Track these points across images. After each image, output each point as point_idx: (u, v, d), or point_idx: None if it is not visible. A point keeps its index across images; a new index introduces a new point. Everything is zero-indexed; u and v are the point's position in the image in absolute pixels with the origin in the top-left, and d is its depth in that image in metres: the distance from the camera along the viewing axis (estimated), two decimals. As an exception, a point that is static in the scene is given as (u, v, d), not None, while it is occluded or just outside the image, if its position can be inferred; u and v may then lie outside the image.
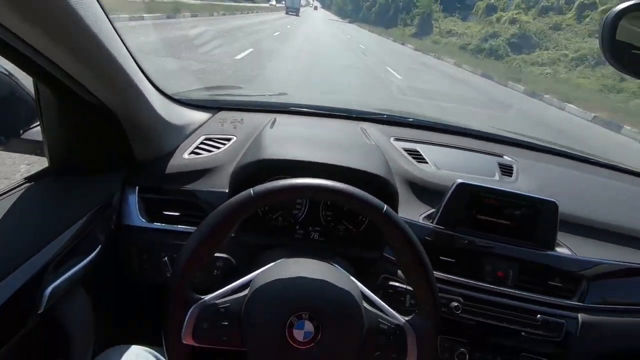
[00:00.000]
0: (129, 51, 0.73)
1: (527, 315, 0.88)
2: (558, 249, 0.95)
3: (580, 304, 0.91)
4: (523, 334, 0.88)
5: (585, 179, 1.25)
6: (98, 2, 0.60)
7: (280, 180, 0.65)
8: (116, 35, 0.67)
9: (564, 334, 0.88)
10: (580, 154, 1.41)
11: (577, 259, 0.93)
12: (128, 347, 0.80)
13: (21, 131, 0.78)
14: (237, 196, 0.63)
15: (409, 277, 0.67)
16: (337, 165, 0.89)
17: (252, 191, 0.63)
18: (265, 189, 0.63)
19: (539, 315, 0.88)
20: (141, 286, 0.96)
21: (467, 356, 0.90)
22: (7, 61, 0.58)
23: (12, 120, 0.77)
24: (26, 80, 0.76)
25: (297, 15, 39.62)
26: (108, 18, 0.63)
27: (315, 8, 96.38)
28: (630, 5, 0.46)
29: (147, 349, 0.82)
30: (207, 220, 0.63)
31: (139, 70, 0.79)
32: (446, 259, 0.93)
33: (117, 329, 1.01)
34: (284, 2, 46.49)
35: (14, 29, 0.49)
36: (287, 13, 40.32)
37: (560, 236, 0.97)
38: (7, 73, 0.78)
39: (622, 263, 0.95)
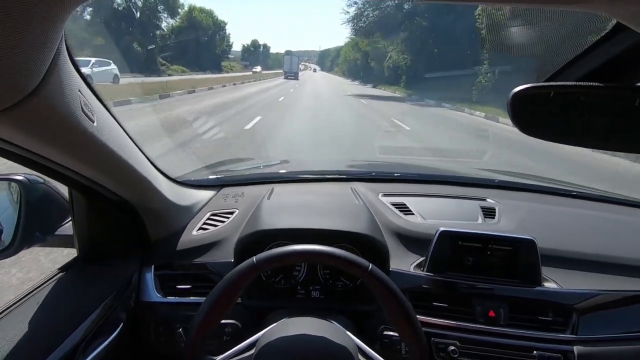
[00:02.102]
0: (139, 148, 0.88)
1: (523, 352, 0.92)
2: (545, 284, 1.00)
3: (574, 336, 0.94)
4: None
5: (566, 212, 1.32)
6: (114, 118, 0.73)
7: (278, 247, 0.75)
8: (128, 139, 0.81)
9: None
10: (561, 187, 1.49)
11: (563, 292, 0.98)
12: None
13: (56, 228, 0.92)
14: (241, 265, 0.73)
15: (397, 328, 0.74)
16: (327, 230, 0.99)
17: (254, 259, 0.73)
18: (265, 257, 0.73)
19: (535, 352, 0.92)
20: (162, 358, 1.03)
21: None
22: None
23: (46, 220, 0.91)
24: (58, 184, 0.91)
25: (296, 79, 39.03)
26: (125, 132, 0.78)
27: (315, 70, 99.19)
28: (526, 88, 0.59)
29: None
30: (215, 289, 0.73)
31: (150, 164, 0.94)
32: (439, 304, 0.99)
33: None
34: (282, 67, 45.11)
35: (47, 155, 0.62)
36: (285, 78, 39.90)
37: (546, 271, 1.03)
38: (42, 181, 0.94)
39: (609, 292, 1.00)
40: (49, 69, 0.45)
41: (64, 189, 0.91)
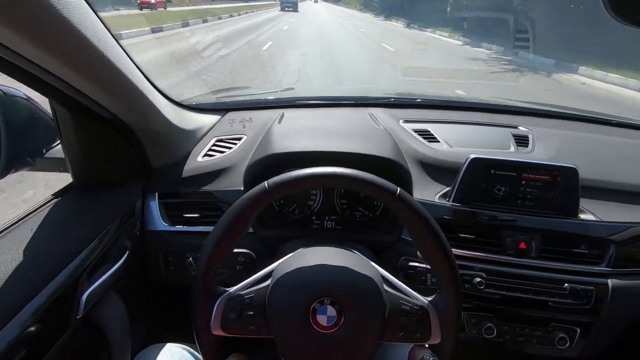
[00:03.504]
0: (136, 65, 0.76)
1: (553, 285, 0.87)
2: (582, 216, 0.92)
3: (610, 269, 0.89)
4: (550, 303, 0.87)
5: (604, 141, 1.20)
6: (102, 23, 0.63)
7: (292, 171, 0.66)
8: (122, 51, 0.70)
9: (593, 301, 0.86)
10: (597, 116, 1.36)
11: (602, 224, 0.91)
12: (164, 345, 0.84)
13: (44, 150, 0.83)
14: (252, 190, 0.64)
15: (427, 258, 0.67)
16: (347, 152, 0.89)
17: (266, 184, 0.64)
18: (278, 181, 0.64)
19: (566, 284, 0.87)
20: (170, 287, 1.00)
21: (495, 330, 0.90)
22: (23, 85, 0.62)
23: (35, 141, 0.81)
24: (45, 103, 0.80)
25: (295, 10, 33.08)
26: (113, 36, 0.66)
27: (316, 1, 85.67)
28: None
29: (183, 345, 0.85)
30: (225, 216, 0.65)
31: (147, 82, 0.82)
32: (466, 235, 0.93)
33: (152, 328, 1.06)
34: None
35: (27, 54, 0.52)
36: (282, 9, 33.58)
37: (583, 202, 0.94)
38: (25, 97, 0.82)
39: None
40: None
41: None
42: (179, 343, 0.87)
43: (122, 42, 0.70)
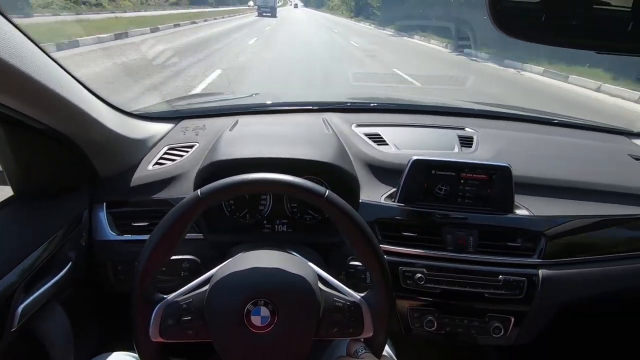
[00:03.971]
0: (71, 75, 0.75)
1: (489, 277, 0.92)
2: (517, 211, 0.98)
3: (540, 260, 0.94)
4: (486, 295, 0.92)
5: (544, 140, 1.28)
6: (23, 33, 0.61)
7: (225, 179, 0.68)
8: (50, 60, 0.68)
9: (525, 291, 0.92)
10: (541, 116, 1.44)
11: (535, 218, 0.97)
12: (109, 355, 0.83)
13: None
14: (185, 198, 0.66)
15: (359, 256, 0.70)
16: (290, 159, 0.92)
17: (199, 192, 0.66)
18: (210, 188, 0.66)
19: (500, 276, 0.92)
20: (119, 296, 1.00)
21: (435, 323, 0.94)
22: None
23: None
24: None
25: (274, 16, 30.91)
26: (38, 46, 0.65)
27: (296, 6, 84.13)
28: None
29: (130, 354, 0.85)
30: (160, 224, 0.66)
31: (85, 91, 0.81)
32: (409, 234, 0.97)
33: (101, 338, 1.05)
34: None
35: None
36: (259, 15, 31.39)
37: (519, 199, 1.00)
38: None
39: (578, 217, 0.99)
40: None
41: None
42: (128, 352, 0.87)
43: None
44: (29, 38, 0.63)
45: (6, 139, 0.75)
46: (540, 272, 0.93)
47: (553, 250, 0.95)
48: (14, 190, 0.84)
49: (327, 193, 0.66)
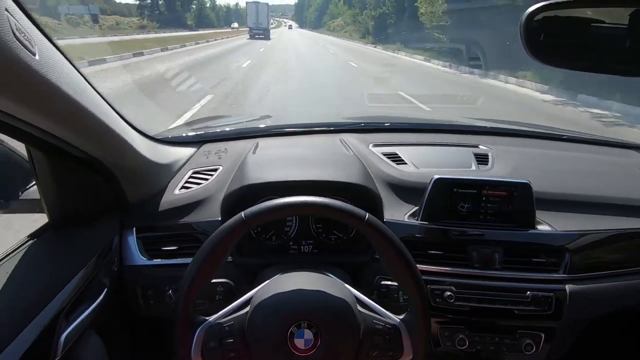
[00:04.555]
0: (107, 102, 0.78)
1: (517, 293, 0.93)
2: (538, 227, 1.00)
3: (566, 275, 0.95)
4: (516, 312, 0.93)
5: (558, 156, 1.31)
6: (71, 63, 0.64)
7: (267, 201, 0.70)
8: (92, 90, 0.72)
9: (554, 306, 0.92)
10: (552, 132, 1.47)
11: (556, 234, 0.98)
12: None
13: (19, 192, 0.83)
14: (229, 221, 0.68)
15: (397, 278, 0.72)
16: (319, 181, 0.94)
17: (243, 214, 0.67)
18: (254, 211, 0.68)
19: (528, 292, 0.93)
20: (150, 321, 1.00)
21: (467, 341, 0.94)
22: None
23: (9, 184, 0.82)
24: (19, 145, 0.81)
25: (267, 38, 28.70)
26: (81, 74, 0.68)
27: (290, 27, 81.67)
28: (542, 6, 0.52)
29: None
30: (204, 247, 0.68)
31: (119, 118, 0.84)
32: (435, 252, 0.98)
33: None
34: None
35: (5, 108, 0.54)
36: (251, 37, 29.21)
37: (540, 214, 1.02)
38: None
39: (599, 231, 1.00)
40: None
41: (23, 148, 0.81)
42: None
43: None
44: (73, 65, 0.65)
45: (49, 167, 0.78)
46: (567, 287, 0.94)
47: (577, 265, 0.97)
48: (49, 217, 0.86)
49: (367, 216, 0.68)
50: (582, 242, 0.99)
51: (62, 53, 0.61)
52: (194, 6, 48.89)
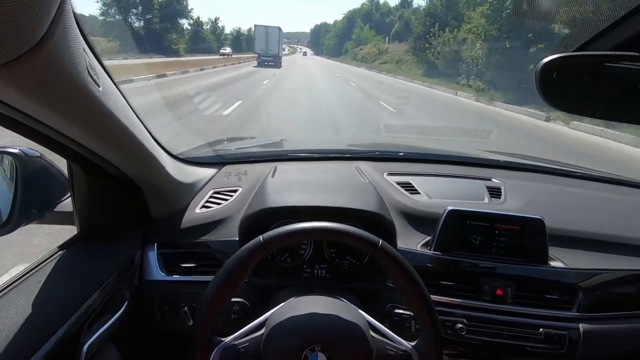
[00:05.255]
0: (142, 124, 0.84)
1: (529, 329, 0.93)
2: (552, 263, 1.00)
3: (580, 314, 0.95)
4: (528, 348, 0.92)
5: (570, 192, 1.32)
6: (117, 88, 0.70)
7: (286, 225, 0.73)
8: (132, 112, 0.77)
9: (567, 345, 0.91)
10: (564, 168, 1.49)
11: (570, 271, 0.99)
12: None
13: (52, 205, 0.88)
14: (249, 244, 0.71)
15: (409, 305, 0.73)
16: (335, 207, 0.97)
17: (261, 238, 0.70)
18: (273, 235, 0.71)
19: (541, 329, 0.92)
20: (165, 336, 1.02)
21: None
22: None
23: (46, 196, 0.87)
24: (54, 158, 0.87)
25: (277, 66, 24.62)
26: (125, 98, 0.73)
27: (305, 54, 77.94)
28: (556, 58, 0.56)
29: None
30: (224, 268, 0.70)
31: (152, 139, 0.90)
32: (447, 282, 0.99)
33: None
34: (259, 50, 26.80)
35: (48, 121, 0.58)
36: (259, 64, 25.24)
37: (553, 250, 1.03)
38: (39, 155, 0.89)
39: (614, 270, 1.00)
40: (52, 21, 0.40)
41: (60, 163, 0.87)
42: None
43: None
44: (122, 95, 0.71)
45: (87, 183, 0.83)
46: (581, 326, 0.93)
47: (591, 303, 0.96)
48: (79, 229, 0.91)
49: (380, 242, 0.70)
50: (595, 280, 0.98)
51: (115, 85, 0.68)
52: (187, 26, 39.35)
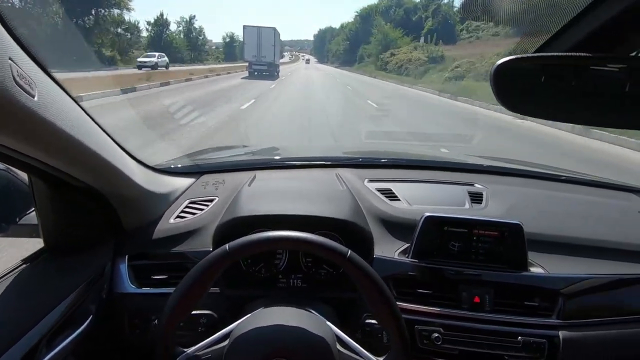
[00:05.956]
0: (108, 134, 0.82)
1: (507, 338, 0.90)
2: (531, 269, 0.98)
3: (560, 321, 0.93)
4: (506, 357, 0.90)
5: (554, 197, 1.30)
6: (68, 95, 0.67)
7: (252, 234, 0.71)
8: (91, 122, 0.75)
9: (547, 354, 0.89)
10: (549, 172, 1.47)
11: (549, 277, 0.97)
12: None
13: (17, 218, 0.87)
14: (212, 253, 0.69)
15: (378, 317, 0.71)
16: (307, 216, 0.96)
17: (227, 247, 0.69)
18: (238, 244, 0.69)
19: (519, 337, 0.90)
20: (132, 350, 0.99)
21: None
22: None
23: (9, 209, 0.86)
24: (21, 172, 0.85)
25: (272, 77, 19.99)
26: (82, 108, 0.72)
27: (308, 61, 67.05)
28: (510, 60, 0.55)
29: None
30: (187, 277, 0.69)
31: (118, 149, 0.88)
32: (424, 291, 0.97)
33: None
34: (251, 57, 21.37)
35: (6, 144, 0.58)
36: (250, 75, 20.58)
37: (533, 256, 1.01)
38: (4, 168, 0.88)
39: (595, 276, 0.98)
40: None
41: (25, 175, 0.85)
42: None
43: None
44: (74, 101, 0.69)
45: (49, 196, 0.81)
46: (561, 333, 0.91)
47: (572, 310, 0.94)
48: (45, 242, 0.89)
49: (349, 253, 0.69)
50: (577, 287, 0.96)
51: (64, 91, 0.66)
52: (146, 26, 32.08)
